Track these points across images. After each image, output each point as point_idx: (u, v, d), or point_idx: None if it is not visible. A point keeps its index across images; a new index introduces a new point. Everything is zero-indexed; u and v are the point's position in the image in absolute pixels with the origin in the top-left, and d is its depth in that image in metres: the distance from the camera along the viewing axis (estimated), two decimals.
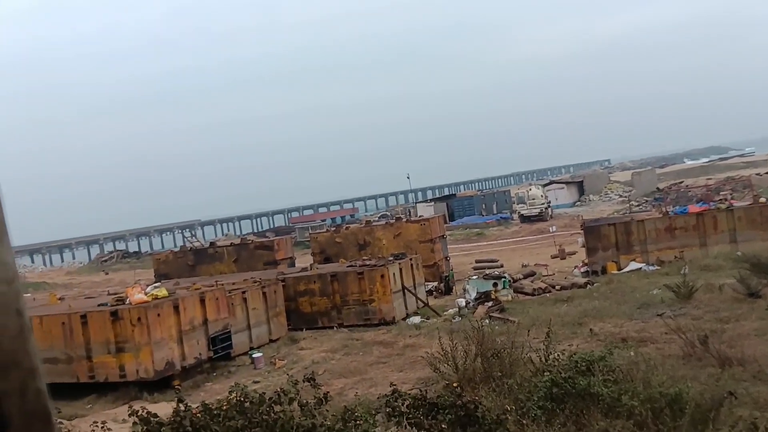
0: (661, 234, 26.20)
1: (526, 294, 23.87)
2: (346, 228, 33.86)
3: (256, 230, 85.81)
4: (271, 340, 19.95)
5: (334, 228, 36.30)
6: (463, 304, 22.24)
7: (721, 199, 36.53)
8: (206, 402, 9.14)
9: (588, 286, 23.24)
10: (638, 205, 54.41)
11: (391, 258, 23.64)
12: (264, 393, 8.49)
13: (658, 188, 66.99)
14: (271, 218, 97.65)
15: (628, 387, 8.32)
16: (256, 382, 15.05)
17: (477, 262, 34.80)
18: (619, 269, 25.61)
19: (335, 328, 20.97)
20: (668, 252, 25.60)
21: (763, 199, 28.31)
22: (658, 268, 24.45)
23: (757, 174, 65.11)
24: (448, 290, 27.94)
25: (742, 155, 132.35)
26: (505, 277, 23.93)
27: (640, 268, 25.01)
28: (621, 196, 68.26)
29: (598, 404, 8.19)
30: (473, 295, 22.70)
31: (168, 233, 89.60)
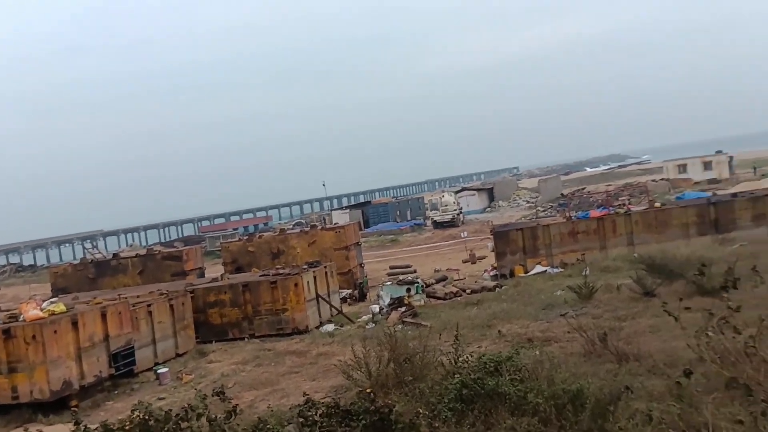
0: (565, 238, 27.40)
1: (439, 298, 24.26)
2: (259, 236, 33.30)
3: (163, 240, 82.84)
4: (178, 354, 19.23)
5: (247, 237, 35.60)
6: (377, 310, 22.34)
7: (619, 204, 38.64)
8: (106, 422, 8.67)
9: (497, 289, 23.91)
10: (544, 211, 56.67)
11: (305, 266, 23.44)
12: (170, 410, 8.15)
13: (562, 194, 70.06)
14: (179, 228, 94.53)
15: (534, 385, 8.57)
16: (161, 399, 14.45)
17: (391, 268, 35.08)
18: (526, 272, 26.54)
19: (246, 339, 20.49)
20: (571, 255, 26.78)
21: (657, 204, 30.19)
22: (562, 270, 25.51)
23: (652, 180, 69.46)
24: (363, 297, 28.01)
25: (639, 163, 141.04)
26: (418, 283, 24.24)
27: (545, 271, 26.02)
28: (528, 202, 71.04)
29: (505, 403, 8.38)
30: (387, 301, 22.83)
31: (67, 245, 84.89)
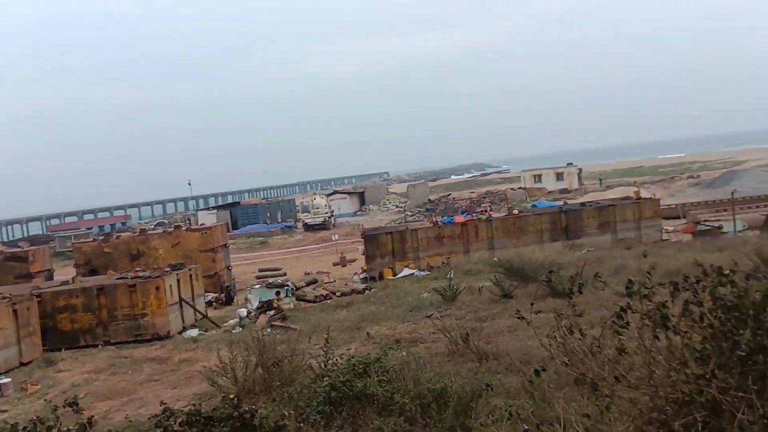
0: (432, 242, 28.39)
1: (309, 301, 24.16)
2: (117, 237, 31.45)
3: (6, 239, 75.59)
4: (23, 363, 17.64)
5: (103, 237, 33.46)
6: (245, 314, 21.83)
7: (481, 211, 40.66)
8: None
9: (366, 291, 24.23)
10: (412, 215, 58.29)
11: (168, 269, 22.42)
12: (16, 423, 7.43)
13: (429, 200, 72.52)
14: (24, 226, 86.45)
15: (401, 385, 8.76)
16: (3, 411, 13.26)
17: (260, 270, 34.46)
18: (395, 275, 27.15)
19: (101, 347, 19.22)
20: (437, 258, 27.77)
21: (516, 211, 32.11)
22: (429, 273, 26.36)
23: (511, 189, 73.83)
24: (230, 300, 27.26)
25: (499, 172, 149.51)
26: (287, 286, 23.99)
27: (413, 274, 26.77)
28: (397, 206, 72.65)
29: (373, 404, 8.49)
30: (255, 304, 22.39)
31: None
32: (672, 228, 32.26)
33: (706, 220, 31.89)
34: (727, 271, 4.51)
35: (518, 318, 6.13)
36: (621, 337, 4.79)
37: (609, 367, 4.73)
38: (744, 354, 3.82)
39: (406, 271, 27.17)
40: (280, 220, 65.75)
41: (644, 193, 36.36)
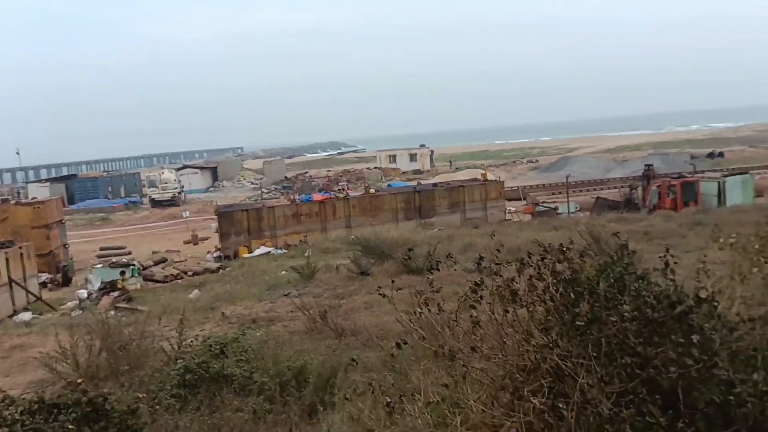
0: (289, 220, 28.23)
1: (157, 281, 23.13)
2: None
3: None
4: None
5: None
6: (85, 295, 20.43)
7: (339, 189, 40.98)
8: None
9: (220, 270, 23.60)
10: (269, 193, 57.41)
11: None
12: None
13: (286, 177, 71.78)
14: None
15: (259, 365, 8.68)
16: None
17: (101, 249, 32.33)
18: (251, 253, 26.67)
19: None
20: (294, 236, 27.69)
21: (372, 190, 32.78)
22: (286, 251, 26.21)
23: (367, 168, 75.09)
24: (67, 281, 25.36)
25: (355, 151, 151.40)
26: (133, 265, 22.77)
27: (270, 252, 26.45)
28: (253, 183, 71.13)
29: (231, 385, 8.35)
30: (97, 285, 21.02)
31: None
32: (514, 209, 34.68)
33: (543, 202, 34.66)
34: (565, 249, 4.94)
35: (380, 295, 6.30)
36: (474, 310, 5.10)
37: (464, 339, 5.02)
38: (582, 324, 4.22)
39: (263, 250, 26.79)
40: (123, 195, 61.92)
41: (490, 176, 38.66)
